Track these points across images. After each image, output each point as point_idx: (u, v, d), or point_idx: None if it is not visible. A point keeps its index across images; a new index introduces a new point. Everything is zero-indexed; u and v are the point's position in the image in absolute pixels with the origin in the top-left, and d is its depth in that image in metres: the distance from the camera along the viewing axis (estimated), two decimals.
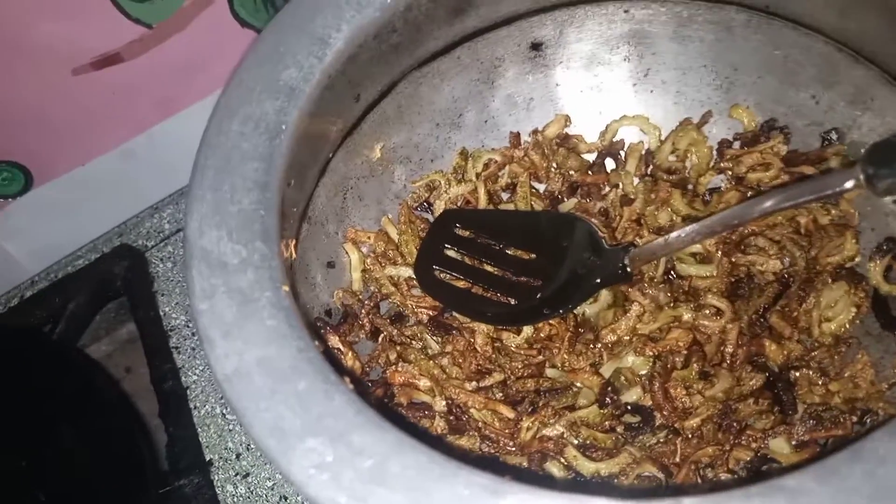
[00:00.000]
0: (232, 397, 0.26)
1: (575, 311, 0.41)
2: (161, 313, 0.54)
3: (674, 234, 0.37)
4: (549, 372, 0.40)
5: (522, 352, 0.40)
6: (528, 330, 0.40)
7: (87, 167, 0.58)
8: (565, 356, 0.40)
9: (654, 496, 0.23)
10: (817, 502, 0.22)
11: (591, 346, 0.40)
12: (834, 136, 0.42)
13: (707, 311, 0.40)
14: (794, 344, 0.39)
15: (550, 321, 0.40)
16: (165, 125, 0.59)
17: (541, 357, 0.40)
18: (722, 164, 0.44)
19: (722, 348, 0.39)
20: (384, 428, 0.25)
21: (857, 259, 0.40)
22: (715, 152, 0.45)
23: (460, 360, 0.39)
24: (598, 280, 0.40)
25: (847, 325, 0.39)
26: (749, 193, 0.42)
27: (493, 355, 0.40)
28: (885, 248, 0.39)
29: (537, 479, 0.26)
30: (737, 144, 0.44)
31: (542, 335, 0.40)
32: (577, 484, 0.35)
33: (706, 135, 0.45)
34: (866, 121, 0.40)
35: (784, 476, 0.23)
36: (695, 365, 0.38)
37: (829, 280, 0.39)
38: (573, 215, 0.44)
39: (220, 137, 0.33)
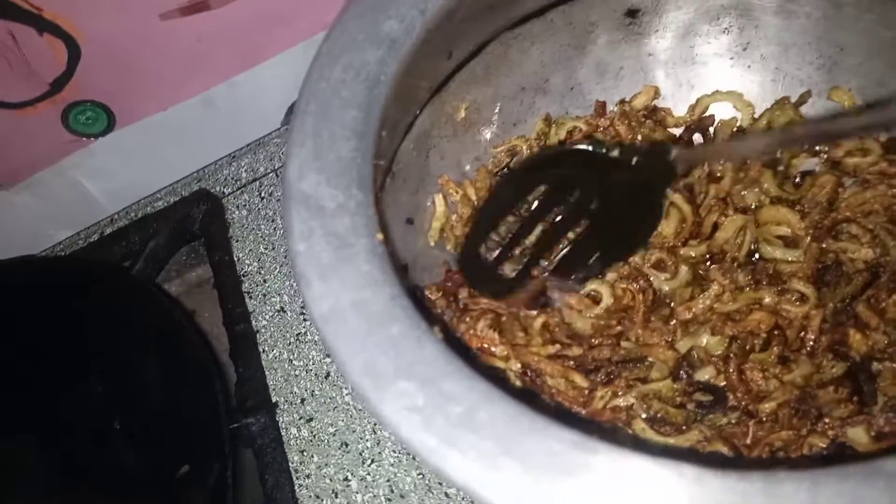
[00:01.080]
0: (327, 336, 0.27)
1: (654, 287, 0.41)
2: (235, 259, 0.55)
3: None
4: (624, 344, 0.40)
5: (602, 321, 0.40)
6: (607, 300, 0.40)
7: (168, 112, 0.59)
8: (639, 331, 0.40)
9: (743, 467, 0.23)
10: None
11: (666, 322, 0.40)
12: None
13: (790, 296, 0.39)
14: (879, 335, 0.37)
15: (630, 288, 0.40)
16: (247, 75, 0.60)
17: (619, 328, 0.40)
18: (818, 147, 0.42)
19: (802, 334, 0.38)
20: (473, 378, 0.26)
21: None
22: None
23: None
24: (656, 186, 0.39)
25: None
26: (844, 178, 0.41)
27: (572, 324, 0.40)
28: None
29: (620, 441, 0.26)
30: None
31: (622, 304, 0.40)
32: (663, 449, 0.35)
33: (803, 115, 0.43)
34: None
35: (884, 459, 0.22)
36: (774, 349, 0.38)
37: None
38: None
39: (320, 84, 0.33)
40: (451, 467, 0.24)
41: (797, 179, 0.43)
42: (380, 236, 0.30)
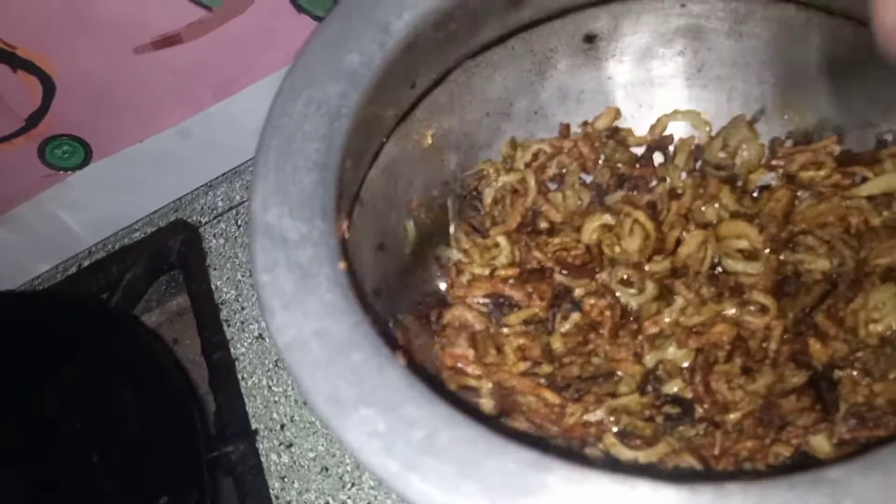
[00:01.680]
0: (291, 365, 0.27)
1: (621, 303, 0.42)
2: (213, 287, 0.56)
3: None
4: (593, 360, 0.41)
5: (569, 338, 0.41)
6: (575, 315, 0.41)
7: (145, 144, 0.60)
8: (607, 347, 0.41)
9: (696, 481, 0.24)
10: (862, 494, 0.22)
11: (634, 337, 0.41)
12: (889, 137, 0.42)
13: (752, 308, 0.40)
14: (839, 343, 0.38)
15: (599, 304, 0.41)
16: (222, 106, 0.61)
17: (591, 346, 0.41)
18: (773, 162, 0.44)
19: (765, 344, 0.39)
20: (435, 402, 0.26)
21: None
22: (767, 150, 0.45)
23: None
24: None
25: (894, 327, 0.38)
26: (800, 192, 0.42)
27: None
28: None
29: (581, 459, 0.27)
30: (789, 143, 0.44)
31: (590, 319, 0.41)
32: (619, 465, 0.35)
33: (758, 132, 0.45)
34: None
35: (829, 467, 0.23)
36: (737, 360, 0.39)
37: (878, 282, 0.39)
38: None
39: (283, 119, 0.34)
40: (412, 491, 0.24)
41: (755, 194, 0.44)
42: (343, 265, 0.30)
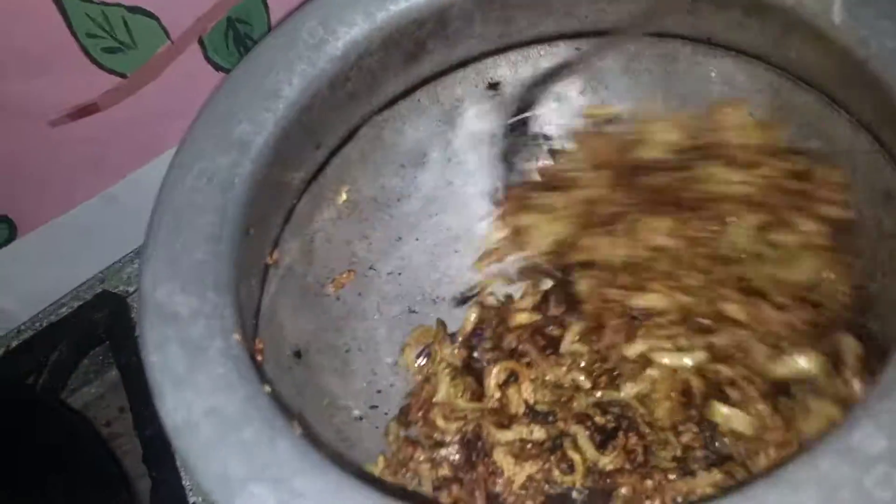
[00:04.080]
0: (181, 449, 0.27)
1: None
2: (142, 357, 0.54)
3: None
4: None
5: None
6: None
7: (70, 214, 0.59)
8: None
9: None
10: None
11: None
12: None
13: None
14: None
15: None
16: (146, 169, 0.60)
17: None
18: None
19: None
20: (326, 471, 0.26)
21: None
22: None
23: None
24: None
25: None
26: None
27: None
28: None
29: None
30: None
31: None
32: None
33: None
34: (813, 143, 0.41)
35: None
36: None
37: None
38: None
39: (173, 194, 0.34)
40: None
41: None
42: (237, 336, 0.30)
